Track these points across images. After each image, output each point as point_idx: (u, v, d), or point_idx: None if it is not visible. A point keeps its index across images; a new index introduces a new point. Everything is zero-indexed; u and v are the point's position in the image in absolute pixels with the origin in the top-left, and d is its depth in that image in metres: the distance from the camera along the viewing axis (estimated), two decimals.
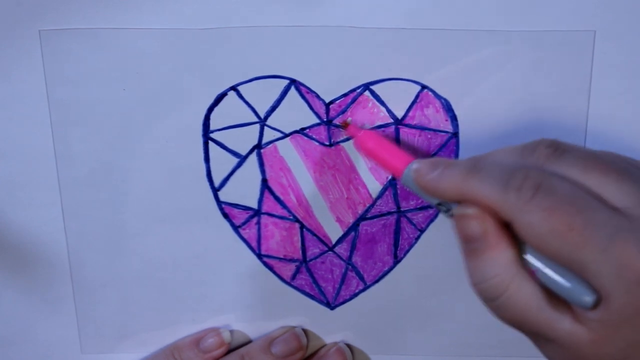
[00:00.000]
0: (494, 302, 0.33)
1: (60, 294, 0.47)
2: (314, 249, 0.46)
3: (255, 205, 0.45)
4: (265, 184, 0.45)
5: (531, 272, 0.32)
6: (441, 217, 0.45)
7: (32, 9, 0.41)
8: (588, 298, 0.30)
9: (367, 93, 0.43)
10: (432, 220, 0.45)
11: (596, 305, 0.30)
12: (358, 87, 0.43)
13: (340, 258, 0.46)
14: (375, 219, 0.45)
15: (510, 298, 0.32)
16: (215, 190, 0.45)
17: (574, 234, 0.30)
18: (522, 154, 0.34)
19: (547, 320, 0.32)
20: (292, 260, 0.46)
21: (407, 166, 0.37)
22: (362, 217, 0.45)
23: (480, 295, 0.34)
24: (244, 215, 0.45)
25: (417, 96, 0.43)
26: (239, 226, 0.45)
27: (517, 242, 0.33)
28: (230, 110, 0.43)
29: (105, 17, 0.42)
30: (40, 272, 0.46)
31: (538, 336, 0.33)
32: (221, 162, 0.44)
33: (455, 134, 0.43)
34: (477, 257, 0.33)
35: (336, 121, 0.43)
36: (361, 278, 0.46)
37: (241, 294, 0.47)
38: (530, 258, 0.32)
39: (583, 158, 0.32)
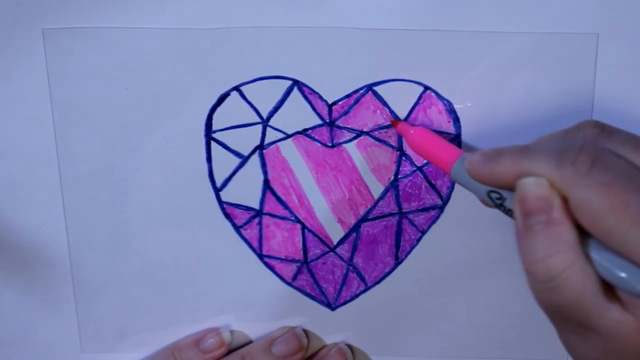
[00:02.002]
0: (548, 282, 0.31)
1: (61, 294, 0.47)
2: (315, 250, 0.46)
3: (256, 206, 0.45)
4: (267, 185, 0.44)
5: (587, 258, 0.31)
6: (443, 219, 0.45)
7: (35, 7, 0.41)
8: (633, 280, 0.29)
9: (370, 94, 0.43)
10: (433, 222, 0.45)
11: None
12: (361, 88, 0.42)
13: (342, 259, 0.46)
14: (376, 220, 0.45)
15: (568, 279, 0.31)
16: (217, 191, 0.45)
17: (630, 211, 0.29)
18: (568, 135, 0.33)
19: (598, 308, 0.31)
20: (293, 260, 0.46)
21: (457, 159, 0.37)
22: (364, 218, 0.45)
23: (534, 276, 0.32)
24: (246, 216, 0.45)
25: (419, 97, 0.43)
26: (241, 226, 0.45)
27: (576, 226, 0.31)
28: (233, 111, 0.43)
29: (108, 17, 0.41)
30: (41, 272, 0.46)
31: (580, 325, 0.32)
32: (223, 163, 0.44)
33: (457, 136, 0.43)
34: (538, 233, 0.31)
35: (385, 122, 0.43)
36: (362, 279, 0.46)
37: (242, 294, 0.47)
38: (592, 244, 0.31)
39: (633, 139, 0.32)
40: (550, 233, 0.31)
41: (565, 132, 0.34)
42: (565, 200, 0.31)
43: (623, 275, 0.30)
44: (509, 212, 0.35)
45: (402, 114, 0.43)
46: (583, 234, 0.31)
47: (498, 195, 0.35)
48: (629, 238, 0.29)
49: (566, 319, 0.32)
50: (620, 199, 0.29)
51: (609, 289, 0.31)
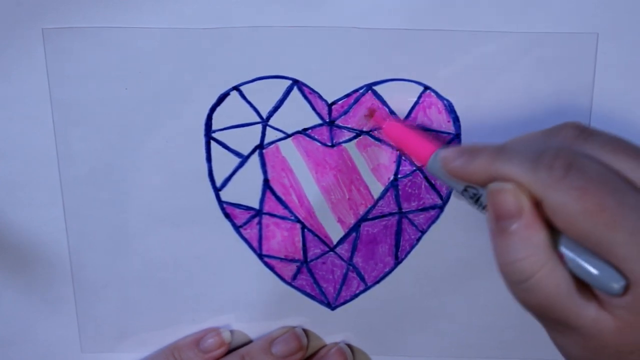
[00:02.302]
0: (522, 284, 0.32)
1: (61, 294, 0.47)
2: (315, 250, 0.46)
3: (256, 206, 0.45)
4: (267, 184, 0.44)
5: (560, 256, 0.32)
6: (442, 219, 0.45)
7: (35, 7, 0.41)
8: (616, 285, 0.30)
9: (369, 93, 0.43)
10: (433, 222, 0.45)
11: (624, 291, 0.30)
12: (361, 88, 0.42)
13: (341, 259, 0.46)
14: (376, 220, 0.45)
15: (540, 281, 0.31)
16: (217, 190, 0.45)
17: (605, 214, 0.29)
18: (547, 136, 0.34)
19: (574, 307, 0.31)
20: (293, 260, 0.46)
21: (432, 154, 0.37)
22: (364, 218, 0.45)
23: (507, 277, 0.33)
24: (246, 216, 0.45)
25: (419, 97, 0.43)
26: (240, 226, 0.45)
27: (548, 225, 0.32)
28: (233, 110, 0.43)
29: (108, 17, 0.41)
30: (41, 272, 0.46)
31: (559, 324, 0.32)
32: (223, 162, 0.44)
33: (457, 135, 0.43)
34: (510, 236, 0.32)
35: (364, 109, 0.43)
36: (362, 279, 0.46)
37: (242, 294, 0.47)
38: (564, 242, 0.31)
39: (611, 141, 0.32)
40: (521, 237, 0.32)
41: (544, 133, 0.34)
42: (538, 203, 0.31)
43: (597, 273, 0.30)
44: (484, 209, 0.35)
45: (401, 114, 0.43)
46: (556, 233, 0.32)
47: (475, 192, 0.35)
48: (603, 240, 0.30)
49: (546, 318, 0.33)
50: (595, 203, 0.30)
51: (584, 288, 0.31)
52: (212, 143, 0.44)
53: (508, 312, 0.46)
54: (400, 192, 0.44)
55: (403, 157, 0.44)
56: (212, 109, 0.43)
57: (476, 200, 0.35)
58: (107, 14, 0.41)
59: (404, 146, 0.40)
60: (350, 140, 0.44)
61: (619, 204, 0.29)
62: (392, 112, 0.43)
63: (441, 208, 0.45)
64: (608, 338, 0.31)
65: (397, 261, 0.46)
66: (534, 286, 0.32)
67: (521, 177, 0.32)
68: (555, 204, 0.31)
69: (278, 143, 0.44)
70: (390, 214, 0.45)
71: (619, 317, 0.30)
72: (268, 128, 0.43)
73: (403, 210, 0.45)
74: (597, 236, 0.30)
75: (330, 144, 0.44)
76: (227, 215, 0.45)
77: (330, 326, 0.47)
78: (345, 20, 0.41)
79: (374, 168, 0.44)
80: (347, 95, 0.43)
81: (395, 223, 0.45)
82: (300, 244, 0.46)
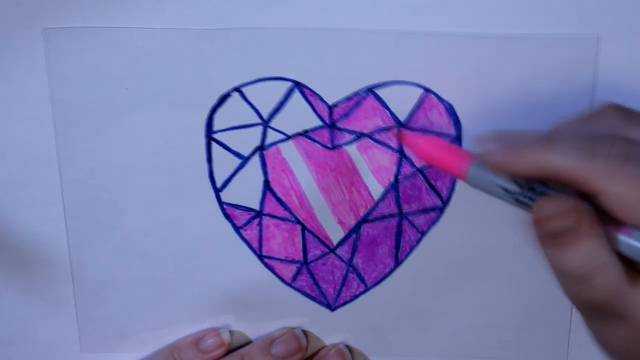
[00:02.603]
0: (587, 283, 0.31)
1: (61, 294, 0.47)
2: (315, 251, 0.46)
3: (257, 207, 0.45)
4: (267, 186, 0.44)
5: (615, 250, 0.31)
6: (443, 220, 0.45)
7: (36, 7, 0.41)
8: None
9: (370, 96, 0.43)
10: (433, 223, 0.45)
11: None
12: (362, 90, 0.42)
13: (341, 260, 0.46)
14: (376, 221, 0.45)
15: (602, 281, 0.31)
16: (217, 191, 0.45)
17: None
18: (591, 122, 0.33)
19: (632, 298, 0.31)
20: (293, 261, 0.46)
21: (472, 163, 0.35)
22: (364, 219, 0.45)
23: (564, 282, 0.32)
24: (246, 216, 0.45)
25: (420, 100, 0.43)
26: (241, 227, 0.45)
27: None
28: (234, 111, 0.43)
29: (109, 17, 0.41)
30: (41, 272, 0.46)
31: (612, 316, 0.32)
32: (223, 163, 0.44)
33: (458, 138, 0.43)
34: (567, 248, 0.31)
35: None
36: (362, 280, 0.46)
37: (241, 295, 0.47)
38: (629, 237, 0.31)
39: None
40: (579, 248, 0.31)
41: (587, 119, 0.33)
42: (593, 196, 0.31)
43: None
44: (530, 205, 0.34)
45: (402, 116, 0.43)
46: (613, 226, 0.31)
47: (527, 198, 0.33)
48: None
49: (597, 311, 0.32)
50: None
51: (634, 274, 0.31)
52: (213, 144, 0.44)
53: (508, 313, 0.46)
54: (400, 194, 0.45)
55: (404, 159, 0.44)
56: (213, 110, 0.43)
57: (526, 200, 0.33)
58: (108, 14, 0.41)
59: (441, 161, 0.37)
60: (350, 142, 0.44)
61: None
62: (392, 115, 0.43)
63: (441, 210, 0.45)
64: None
65: (397, 262, 0.46)
66: (594, 287, 0.31)
67: (577, 169, 0.30)
68: (615, 194, 0.30)
69: (279, 144, 0.44)
70: (391, 215, 0.45)
71: None
72: (269, 129, 0.43)
73: (403, 212, 0.45)
74: None
75: (330, 146, 0.44)
76: (228, 216, 0.45)
77: (330, 327, 0.47)
78: (346, 22, 0.41)
79: (374, 170, 0.44)
80: (348, 98, 0.43)
81: (395, 224, 0.45)
82: (301, 245, 0.46)
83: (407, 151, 0.43)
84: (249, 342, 0.48)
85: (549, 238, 0.32)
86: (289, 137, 0.44)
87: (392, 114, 0.43)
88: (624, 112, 0.32)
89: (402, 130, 0.43)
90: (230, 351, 0.47)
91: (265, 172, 0.44)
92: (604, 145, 0.30)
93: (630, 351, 0.32)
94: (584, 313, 0.33)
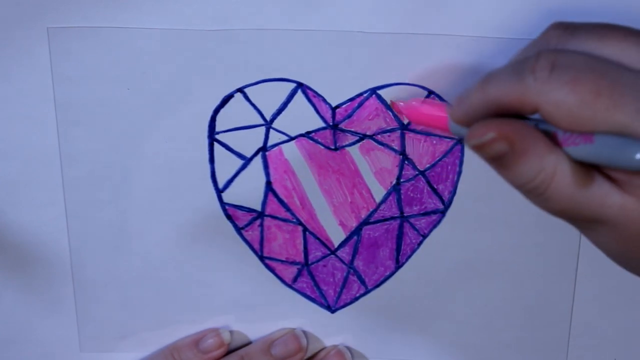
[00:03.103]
0: (542, 195, 0.31)
1: (61, 294, 0.47)
2: (316, 252, 0.46)
3: (258, 208, 0.45)
4: (269, 187, 0.44)
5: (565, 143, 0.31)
6: (444, 223, 0.45)
7: (40, 5, 0.41)
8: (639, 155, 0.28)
9: (373, 97, 0.43)
10: (435, 226, 0.45)
11: None
12: (365, 92, 0.42)
13: (342, 262, 0.46)
14: (378, 224, 0.45)
15: (558, 185, 0.31)
16: (219, 192, 0.44)
17: (603, 99, 0.29)
18: (533, 46, 0.33)
19: (597, 200, 0.30)
20: (294, 262, 0.46)
21: (447, 120, 0.36)
22: (365, 222, 0.45)
23: (526, 195, 0.32)
24: (247, 217, 0.45)
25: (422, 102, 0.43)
26: (242, 228, 0.45)
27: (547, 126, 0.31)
28: (236, 112, 0.43)
29: (112, 17, 0.41)
30: (41, 271, 0.46)
31: (590, 222, 0.31)
32: (226, 164, 0.44)
33: (460, 140, 0.43)
34: (511, 168, 0.31)
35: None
36: (362, 282, 0.46)
37: (242, 295, 0.47)
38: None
39: (596, 29, 0.31)
40: (524, 163, 0.31)
41: (531, 43, 0.34)
42: (533, 112, 0.31)
43: (638, 156, 0.28)
44: None
45: (405, 118, 0.43)
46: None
47: None
48: (610, 124, 0.29)
49: (575, 219, 0.32)
50: (589, 90, 0.29)
51: (604, 177, 0.31)
52: (215, 145, 0.44)
53: (508, 314, 0.46)
54: (402, 196, 0.45)
55: (406, 162, 0.44)
56: (216, 111, 0.43)
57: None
58: (112, 14, 0.41)
59: (429, 121, 0.39)
60: (353, 143, 0.44)
61: (614, 85, 0.29)
62: (395, 117, 0.43)
63: (443, 213, 0.45)
64: (638, 222, 0.30)
65: (398, 265, 0.46)
66: (554, 193, 0.31)
67: (510, 93, 0.31)
68: (550, 105, 0.30)
69: (281, 146, 0.44)
70: (392, 217, 0.45)
71: None
72: (271, 130, 0.43)
73: (405, 215, 0.45)
74: (601, 123, 0.29)
75: (333, 147, 0.44)
76: (229, 217, 0.45)
77: (330, 329, 0.47)
78: (350, 24, 0.41)
79: (376, 172, 0.44)
80: (351, 99, 0.43)
81: (396, 227, 0.45)
82: (302, 247, 0.46)
83: (407, 149, 0.43)
84: (249, 343, 0.48)
85: (493, 161, 0.32)
86: (291, 139, 0.44)
87: (394, 115, 0.43)
88: (563, 27, 0.32)
89: (393, 101, 0.42)
90: (230, 351, 0.47)
91: (267, 173, 0.44)
92: (529, 62, 0.30)
93: (625, 253, 0.32)
94: (571, 224, 0.33)
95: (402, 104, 0.41)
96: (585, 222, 0.32)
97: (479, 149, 0.32)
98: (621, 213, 0.30)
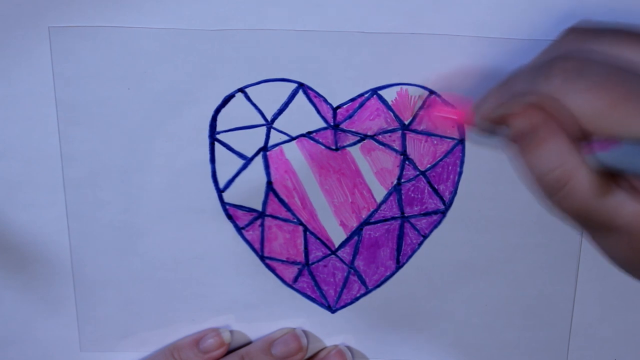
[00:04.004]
0: (558, 193, 0.32)
1: (61, 294, 0.47)
2: (316, 252, 0.46)
3: (259, 207, 0.45)
4: (270, 187, 0.44)
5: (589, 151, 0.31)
6: (445, 224, 0.45)
7: (41, 5, 0.41)
8: None
9: (374, 98, 0.43)
10: (435, 226, 0.45)
11: None
12: (366, 92, 0.42)
13: (343, 262, 0.46)
14: (378, 224, 0.45)
15: (575, 186, 0.31)
16: (220, 192, 0.44)
17: (620, 108, 0.29)
18: (551, 50, 0.34)
19: (613, 206, 0.31)
20: (294, 262, 0.46)
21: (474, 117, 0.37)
22: (366, 222, 0.45)
23: (543, 190, 0.32)
24: (248, 217, 0.45)
25: (424, 102, 0.43)
26: (243, 228, 0.45)
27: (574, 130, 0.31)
28: (238, 112, 0.43)
29: (114, 16, 0.41)
30: (42, 271, 0.46)
31: (601, 226, 0.32)
32: (227, 164, 0.44)
33: (461, 141, 0.43)
34: (536, 150, 0.32)
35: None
36: (363, 282, 0.46)
37: (242, 295, 0.47)
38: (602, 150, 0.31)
39: (614, 34, 0.32)
40: (545, 150, 0.32)
41: (548, 47, 0.34)
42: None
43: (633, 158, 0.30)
44: None
45: (406, 118, 0.43)
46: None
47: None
48: (626, 134, 0.29)
49: (587, 222, 0.32)
50: (606, 100, 0.30)
51: (619, 184, 0.31)
52: (216, 144, 0.44)
53: (508, 314, 0.46)
54: (403, 197, 0.45)
55: (407, 162, 0.44)
56: (217, 111, 0.43)
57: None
58: (113, 13, 0.41)
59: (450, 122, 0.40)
60: (354, 144, 0.44)
61: (629, 93, 0.29)
62: (396, 117, 0.43)
63: (444, 213, 0.45)
64: None
65: (399, 265, 0.46)
66: (570, 192, 0.31)
67: (537, 92, 0.32)
68: (578, 108, 0.30)
69: (282, 145, 0.44)
70: (393, 218, 0.45)
71: None
72: (272, 130, 0.43)
73: (405, 215, 0.45)
74: (617, 131, 0.29)
75: (334, 148, 0.44)
76: (230, 217, 0.45)
77: (330, 329, 0.47)
78: (351, 24, 0.41)
79: (377, 172, 0.44)
80: (352, 100, 0.43)
81: (397, 227, 0.45)
82: (302, 247, 0.46)
83: (408, 149, 0.44)
84: (249, 342, 0.48)
85: (519, 140, 0.33)
86: (292, 139, 0.44)
87: (395, 115, 0.43)
88: (582, 32, 0.33)
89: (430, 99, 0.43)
90: (230, 351, 0.47)
91: (268, 173, 0.44)
92: (558, 64, 0.31)
93: (632, 259, 0.32)
94: (580, 227, 0.33)
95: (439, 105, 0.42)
96: (597, 226, 0.32)
97: (510, 116, 0.33)
98: (634, 221, 0.31)
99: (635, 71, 0.30)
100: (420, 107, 0.43)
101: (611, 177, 0.31)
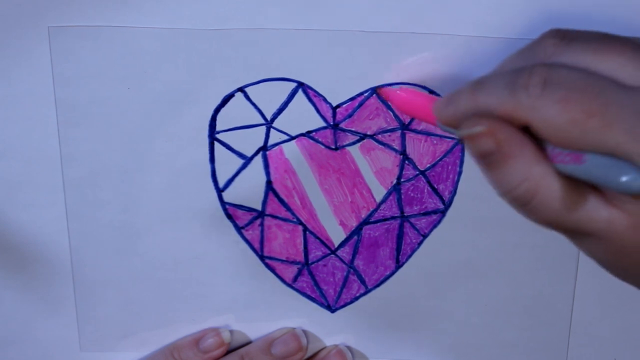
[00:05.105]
0: (527, 206, 0.31)
1: (61, 294, 0.47)
2: (316, 252, 0.46)
3: (259, 207, 0.45)
4: (269, 186, 0.44)
5: (555, 161, 0.30)
6: (444, 223, 0.45)
7: (40, 4, 0.41)
8: (626, 178, 0.28)
9: (374, 97, 0.43)
10: (435, 226, 0.45)
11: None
12: (365, 91, 0.42)
13: (343, 261, 0.46)
14: (378, 224, 0.45)
15: (544, 198, 0.30)
16: (220, 191, 0.44)
17: (595, 119, 0.28)
18: (528, 53, 0.33)
19: (584, 213, 0.30)
20: (294, 262, 0.46)
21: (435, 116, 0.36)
22: (366, 221, 0.45)
23: (511, 204, 0.32)
24: (248, 217, 0.45)
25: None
26: (242, 227, 0.45)
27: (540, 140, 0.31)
28: (237, 112, 0.43)
29: (113, 16, 0.41)
30: (42, 271, 0.46)
31: (576, 232, 0.31)
32: (226, 163, 0.44)
33: (461, 140, 0.43)
34: (497, 169, 0.31)
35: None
36: (362, 282, 0.46)
37: (242, 295, 0.47)
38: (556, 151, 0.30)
39: (593, 41, 0.31)
40: (510, 166, 0.31)
41: (522, 51, 0.33)
42: (525, 127, 0.31)
43: (624, 179, 0.28)
44: None
45: (406, 118, 0.43)
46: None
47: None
48: (600, 145, 0.28)
49: (563, 230, 0.32)
50: (581, 110, 0.28)
51: (591, 191, 0.30)
52: (216, 144, 0.44)
53: (508, 313, 0.46)
54: (402, 196, 0.45)
55: (406, 162, 0.44)
56: (217, 110, 0.43)
57: None
58: (113, 13, 0.41)
59: (417, 112, 0.39)
60: (354, 143, 0.44)
61: (606, 105, 0.28)
62: (396, 116, 0.43)
63: (443, 212, 0.45)
64: (625, 236, 0.30)
65: (398, 265, 0.46)
66: (538, 206, 0.31)
67: (501, 106, 0.30)
68: (541, 122, 0.29)
69: (282, 145, 0.44)
70: (392, 217, 0.45)
71: (632, 214, 0.29)
72: (272, 130, 0.43)
73: (405, 214, 0.45)
74: (592, 143, 0.28)
75: (333, 147, 0.44)
76: (229, 216, 0.45)
77: (330, 328, 0.47)
78: (350, 23, 0.41)
79: (376, 171, 0.44)
80: (352, 99, 0.43)
81: (397, 227, 0.45)
82: (302, 246, 0.46)
83: (408, 149, 0.44)
84: (249, 342, 0.48)
85: (481, 159, 0.32)
86: (292, 138, 0.44)
87: (395, 115, 0.43)
88: (559, 35, 0.32)
89: (380, 88, 0.42)
90: (230, 351, 0.47)
91: (267, 173, 0.44)
92: (522, 76, 0.30)
93: (614, 263, 0.32)
94: (560, 233, 0.33)
95: (397, 91, 0.41)
96: (571, 233, 0.32)
97: (468, 140, 0.32)
98: (608, 227, 0.30)
99: (613, 80, 0.29)
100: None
101: (582, 183, 0.30)
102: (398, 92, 0.40)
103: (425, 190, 0.44)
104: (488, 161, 0.32)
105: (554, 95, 0.29)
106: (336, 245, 0.46)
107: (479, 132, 0.31)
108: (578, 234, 0.31)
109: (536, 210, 0.31)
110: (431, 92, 0.42)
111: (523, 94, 0.30)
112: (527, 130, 0.31)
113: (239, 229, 0.45)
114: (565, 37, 0.32)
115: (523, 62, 0.32)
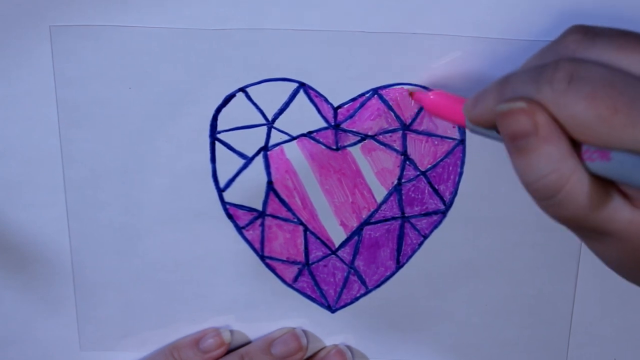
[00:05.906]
0: (551, 199, 0.31)
1: (61, 294, 0.47)
2: (317, 252, 0.46)
3: (259, 207, 0.45)
4: (270, 186, 0.44)
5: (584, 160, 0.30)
6: (445, 224, 0.45)
7: (42, 4, 0.41)
8: None
9: (375, 98, 0.43)
10: (436, 227, 0.45)
11: None
12: (367, 92, 0.43)
13: (343, 262, 0.46)
14: (379, 224, 0.45)
15: (570, 193, 0.30)
16: (221, 191, 0.44)
17: (620, 116, 0.28)
18: (551, 50, 0.33)
19: (608, 212, 0.30)
20: (294, 262, 0.46)
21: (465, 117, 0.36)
22: (366, 222, 0.45)
23: (535, 195, 0.31)
24: (249, 217, 0.45)
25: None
26: (243, 227, 0.45)
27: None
28: (238, 112, 0.43)
29: (114, 15, 0.41)
30: (42, 272, 0.46)
31: (595, 232, 0.31)
32: (227, 163, 0.44)
33: (462, 141, 0.43)
34: (529, 154, 0.31)
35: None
36: (363, 282, 0.46)
37: (242, 295, 0.47)
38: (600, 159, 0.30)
39: (617, 37, 0.31)
40: (542, 153, 0.30)
41: (548, 46, 0.33)
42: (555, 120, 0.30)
43: (632, 167, 0.29)
44: None
45: (407, 119, 0.43)
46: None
47: None
48: (626, 141, 0.28)
49: (581, 228, 0.32)
50: (607, 106, 0.28)
51: (615, 190, 0.30)
52: (217, 144, 0.44)
53: (508, 313, 0.47)
54: (403, 197, 0.45)
55: (407, 162, 0.44)
56: (218, 110, 0.43)
57: None
58: (114, 13, 0.41)
59: (447, 116, 0.39)
60: (355, 144, 0.44)
61: (632, 101, 0.28)
62: (397, 117, 0.43)
63: (444, 213, 0.45)
64: None
65: (399, 265, 0.46)
66: (564, 200, 0.30)
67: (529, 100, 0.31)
68: (567, 118, 0.29)
69: (283, 145, 0.44)
70: (393, 218, 0.45)
71: None
72: (273, 130, 0.43)
73: (406, 215, 0.45)
74: (618, 139, 0.28)
75: (335, 147, 0.44)
76: (230, 216, 0.45)
77: (330, 329, 0.47)
78: (351, 23, 0.41)
79: (377, 172, 0.44)
80: (353, 99, 0.43)
81: (397, 227, 0.45)
82: (302, 247, 0.46)
83: (409, 149, 0.44)
84: (249, 342, 0.48)
85: (514, 141, 0.31)
86: (293, 138, 0.44)
87: (396, 116, 0.43)
88: (583, 31, 0.32)
89: (413, 92, 0.42)
90: (230, 351, 0.47)
91: (268, 173, 0.44)
92: (547, 71, 0.30)
93: (627, 264, 0.32)
94: (574, 232, 0.33)
95: (430, 96, 0.40)
96: (588, 232, 0.32)
97: (504, 117, 0.31)
98: (629, 227, 0.30)
99: (638, 76, 0.29)
100: (422, 108, 0.43)
101: (607, 182, 0.30)
102: (431, 96, 0.40)
103: (426, 191, 0.44)
104: (520, 144, 0.31)
105: (581, 91, 0.29)
106: (337, 246, 0.46)
107: (519, 108, 0.31)
108: (594, 234, 0.31)
109: (560, 204, 0.31)
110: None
111: (548, 89, 0.30)
112: None
113: (239, 229, 0.45)
114: (588, 33, 0.31)
115: (547, 59, 0.32)
